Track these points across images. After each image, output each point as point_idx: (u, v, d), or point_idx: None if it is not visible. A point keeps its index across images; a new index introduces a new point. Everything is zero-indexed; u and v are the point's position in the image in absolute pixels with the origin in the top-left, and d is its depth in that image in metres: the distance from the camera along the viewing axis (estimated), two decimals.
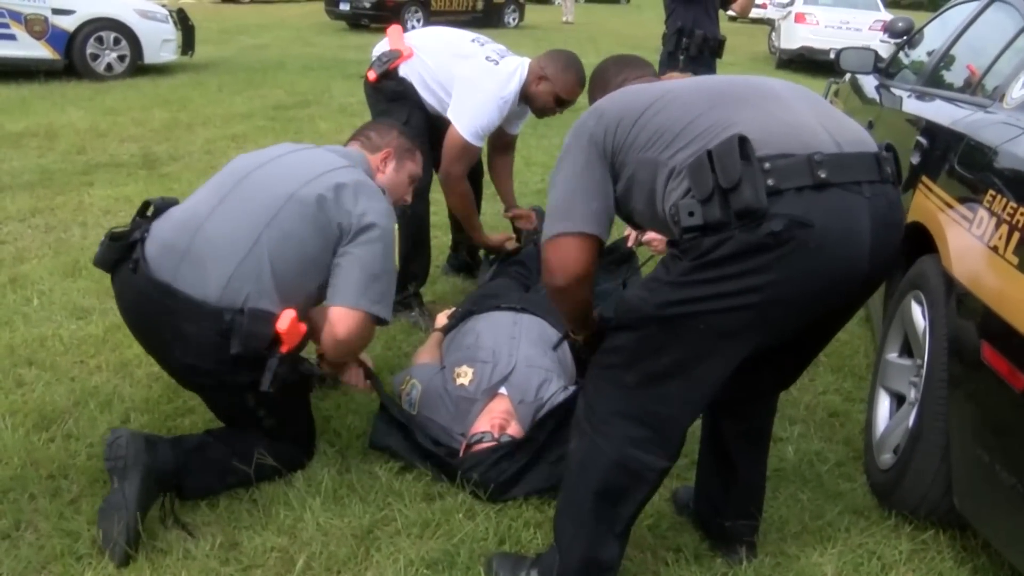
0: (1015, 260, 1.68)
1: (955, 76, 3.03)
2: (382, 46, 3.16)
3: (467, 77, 2.99)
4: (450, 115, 3.01)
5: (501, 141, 3.42)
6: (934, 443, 2.00)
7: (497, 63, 3.04)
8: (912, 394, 2.33)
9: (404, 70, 3.04)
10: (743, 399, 1.85)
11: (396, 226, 2.12)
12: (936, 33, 3.77)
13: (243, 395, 2.04)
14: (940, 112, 2.60)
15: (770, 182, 1.43)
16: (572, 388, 2.44)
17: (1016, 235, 1.70)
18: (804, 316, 1.58)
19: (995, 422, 1.74)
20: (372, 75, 3.08)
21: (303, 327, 2.01)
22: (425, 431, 2.33)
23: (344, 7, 15.92)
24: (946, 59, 3.10)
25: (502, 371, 2.41)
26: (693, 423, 1.73)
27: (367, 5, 15.75)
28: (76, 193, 4.76)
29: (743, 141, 1.44)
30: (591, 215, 1.66)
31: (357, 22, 16.28)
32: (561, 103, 3.09)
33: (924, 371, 2.09)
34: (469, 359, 2.48)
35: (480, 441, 2.25)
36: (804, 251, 1.44)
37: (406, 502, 2.16)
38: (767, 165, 1.43)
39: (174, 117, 6.90)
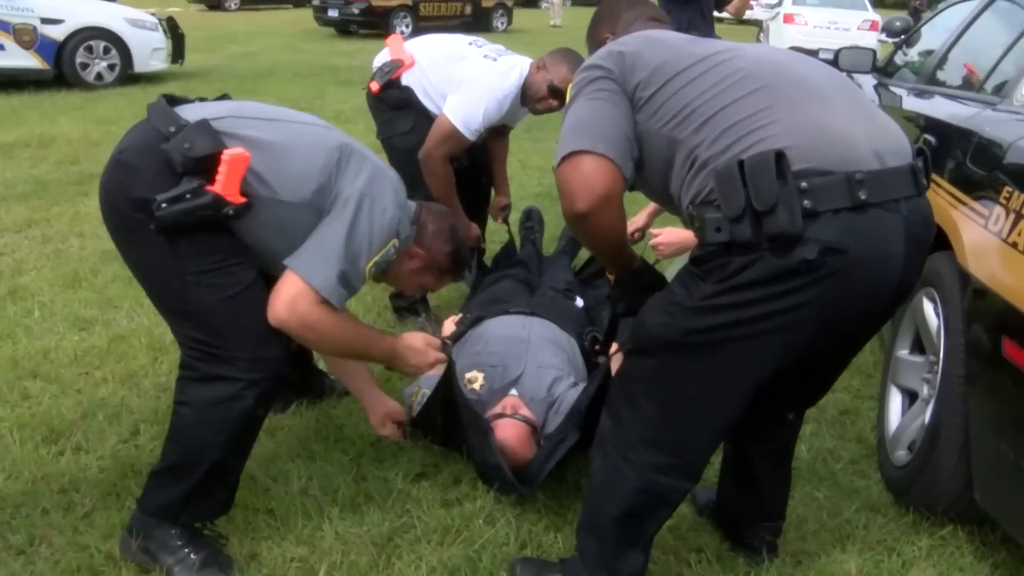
0: None
1: (958, 75, 3.04)
2: (383, 56, 3.15)
3: (464, 76, 2.98)
4: (445, 104, 2.98)
5: (496, 128, 3.37)
6: (952, 439, 2.00)
7: (495, 60, 3.04)
8: (925, 390, 2.34)
9: (407, 79, 3.03)
10: (769, 422, 1.81)
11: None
12: (934, 32, 3.79)
13: (150, 245, 1.72)
14: (946, 110, 2.61)
15: (807, 203, 1.36)
16: (583, 384, 2.43)
17: None
18: (832, 337, 1.55)
19: (1018, 417, 1.74)
20: (375, 86, 3.06)
21: (244, 168, 1.70)
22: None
23: (333, 14, 15.90)
24: (948, 58, 3.12)
25: (512, 374, 2.41)
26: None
27: (356, 11, 15.73)
28: (71, 203, 4.72)
29: (780, 157, 1.36)
30: (612, 140, 1.51)
31: (346, 28, 16.26)
32: (555, 94, 3.04)
33: (940, 367, 2.09)
34: (479, 364, 2.48)
35: (498, 418, 2.24)
36: (836, 277, 1.39)
37: (424, 508, 2.15)
38: (804, 184, 1.36)
39: None
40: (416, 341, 2.11)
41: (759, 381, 1.53)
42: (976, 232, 1.95)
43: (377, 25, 16.10)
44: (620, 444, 1.66)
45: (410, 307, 3.29)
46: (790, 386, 1.67)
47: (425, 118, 3.04)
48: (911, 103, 3.17)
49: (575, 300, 3.17)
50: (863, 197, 1.37)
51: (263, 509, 2.12)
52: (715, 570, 1.98)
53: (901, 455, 2.33)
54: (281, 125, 1.86)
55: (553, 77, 2.98)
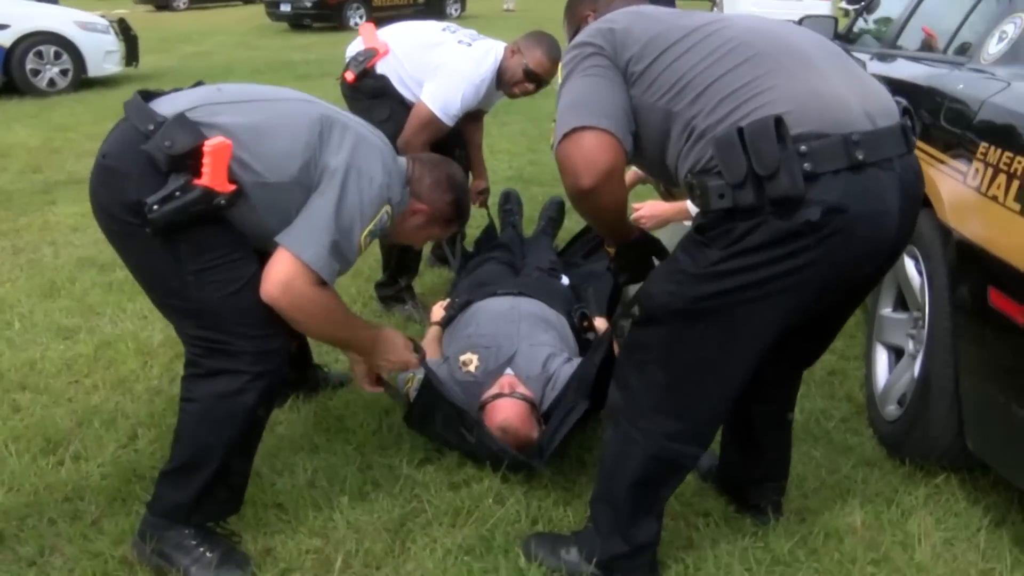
0: (1017, 207, 1.74)
1: (920, 39, 3.10)
2: (356, 45, 3.14)
3: (441, 63, 2.98)
4: (423, 91, 2.98)
5: (471, 113, 3.38)
6: (943, 390, 2.07)
7: (470, 45, 3.04)
8: (910, 346, 2.41)
9: (381, 67, 3.02)
10: (771, 382, 1.85)
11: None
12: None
13: (150, 248, 1.71)
14: (915, 72, 2.67)
15: (807, 166, 1.39)
16: (576, 360, 2.47)
17: (1016, 183, 1.76)
18: (835, 294, 1.59)
19: (1009, 362, 1.80)
20: (350, 76, 3.05)
21: (228, 155, 1.67)
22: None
23: (285, 8, 15.70)
24: (910, 23, 3.18)
25: (506, 354, 2.43)
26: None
27: (308, 5, 15.56)
28: (40, 213, 4.64)
29: (779, 123, 1.39)
30: (611, 115, 1.53)
31: (299, 22, 16.07)
32: (531, 77, 3.06)
33: (926, 322, 2.15)
34: (472, 346, 2.49)
35: (496, 398, 2.26)
36: (838, 236, 1.43)
37: (432, 492, 2.17)
38: (803, 148, 1.39)
39: None
40: (397, 338, 2.11)
41: (766, 342, 1.57)
42: (956, 188, 2.01)
43: (331, 18, 15.94)
44: (631, 413, 1.69)
45: (396, 296, 3.30)
46: (792, 346, 1.71)
47: (402, 106, 3.04)
48: (876, 67, 3.23)
49: (561, 279, 3.20)
50: (860, 157, 1.41)
51: (272, 504, 2.12)
52: (724, 532, 2.03)
53: (891, 410, 2.39)
54: (258, 105, 1.82)
55: (528, 61, 2.99)
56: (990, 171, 1.87)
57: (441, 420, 2.30)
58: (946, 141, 2.13)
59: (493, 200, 3.85)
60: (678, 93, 1.51)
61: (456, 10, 19.13)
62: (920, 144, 2.30)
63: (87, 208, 4.71)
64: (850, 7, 4.55)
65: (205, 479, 1.82)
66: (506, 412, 2.23)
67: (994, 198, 1.83)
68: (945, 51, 2.72)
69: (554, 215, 3.92)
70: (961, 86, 2.19)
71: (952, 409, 2.06)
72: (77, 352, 2.95)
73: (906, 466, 2.28)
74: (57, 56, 8.47)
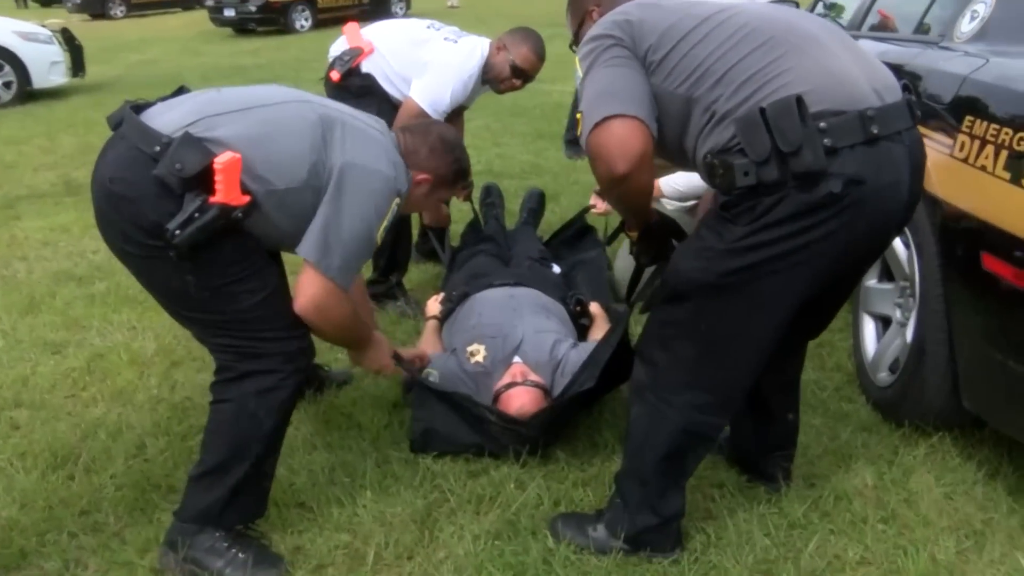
0: (1007, 175, 1.84)
1: (894, 18, 3.22)
2: (340, 45, 3.14)
3: (429, 60, 3.01)
4: (412, 88, 3.01)
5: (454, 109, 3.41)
6: (937, 354, 2.16)
7: (456, 42, 3.07)
8: (898, 314, 2.51)
9: (367, 66, 3.04)
10: (781, 353, 1.89)
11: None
12: None
13: (176, 269, 1.72)
14: (889, 52, 2.77)
15: (826, 142, 1.46)
16: (581, 344, 2.52)
17: (1004, 152, 1.86)
18: (851, 261, 1.67)
19: (1004, 322, 1.90)
20: (336, 75, 3.05)
21: (239, 169, 1.68)
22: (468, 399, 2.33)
23: (229, 13, 15.45)
24: (879, 4, 3.30)
25: (513, 342, 2.47)
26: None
27: (253, 9, 15.33)
28: (6, 228, 4.53)
29: (800, 102, 1.45)
30: (639, 102, 1.58)
31: (244, 27, 15.84)
32: (518, 74, 3.11)
33: (917, 290, 2.25)
34: (478, 337, 2.52)
35: (509, 388, 2.30)
36: (857, 206, 1.50)
37: (453, 482, 2.20)
38: (823, 124, 1.46)
39: (84, 141, 6.60)
40: (384, 345, 2.22)
41: (791, 312, 1.64)
42: (943, 161, 2.10)
43: (276, 21, 15.77)
44: (660, 388, 1.75)
45: (387, 292, 3.31)
46: (808, 315, 1.78)
47: (388, 104, 3.05)
48: None
49: (552, 267, 3.25)
50: (875, 131, 1.49)
51: (294, 503, 2.13)
52: (739, 501, 2.10)
53: (884, 377, 2.49)
54: (257, 112, 1.81)
55: (515, 57, 3.04)
56: (977, 143, 1.96)
57: (451, 419, 2.32)
58: (930, 115, 2.22)
59: (475, 194, 3.88)
60: (698, 79, 1.57)
61: (401, 9, 19.03)
62: None
63: (55, 222, 4.66)
64: None
65: (238, 478, 1.84)
66: (521, 399, 2.27)
67: (983, 168, 1.92)
68: (917, 30, 2.83)
69: (535, 206, 3.98)
70: (941, 64, 2.29)
71: (946, 371, 2.16)
72: (69, 366, 2.91)
73: (902, 428, 2.38)
74: None
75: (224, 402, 1.84)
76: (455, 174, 2.16)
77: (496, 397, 2.33)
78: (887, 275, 2.61)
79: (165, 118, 1.75)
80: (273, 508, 2.07)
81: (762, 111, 1.48)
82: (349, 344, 2.17)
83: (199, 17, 17.29)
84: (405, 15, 18.73)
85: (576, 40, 2.33)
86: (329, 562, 1.94)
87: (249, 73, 10.26)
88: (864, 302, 2.72)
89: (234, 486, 1.84)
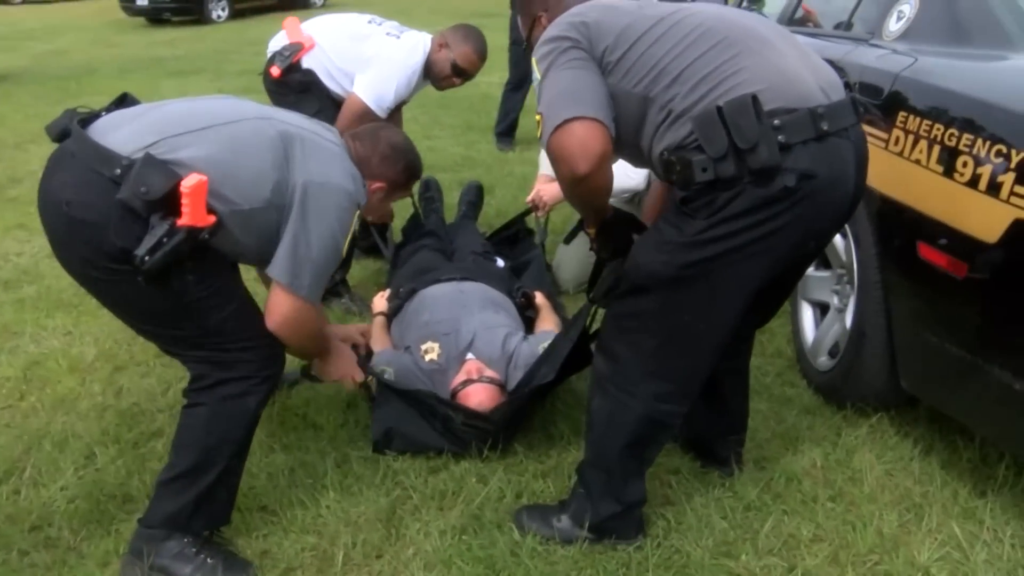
0: (939, 169, 1.95)
1: (821, 15, 3.35)
2: (280, 40, 3.09)
3: (372, 55, 3.00)
4: (355, 83, 3.00)
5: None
6: (876, 338, 2.28)
7: (398, 37, 3.07)
8: (836, 301, 2.63)
9: (308, 61, 3.00)
10: (736, 339, 1.95)
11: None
12: None
13: (142, 291, 1.68)
14: (819, 47, 2.87)
15: (780, 138, 1.53)
16: (531, 337, 2.57)
17: (936, 147, 1.97)
18: (802, 251, 1.75)
19: (940, 307, 2.02)
20: (276, 70, 3.00)
21: (205, 191, 1.67)
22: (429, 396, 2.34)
23: (142, 2, 14.85)
24: (806, 1, 3.42)
25: (465, 339, 2.50)
26: None
27: None
28: None
29: (755, 100, 1.52)
30: (598, 104, 1.62)
31: (158, 17, 15.27)
32: (459, 73, 3.13)
33: (856, 277, 2.36)
34: (431, 335, 2.54)
35: (466, 385, 2.34)
36: (809, 198, 1.58)
37: (414, 479, 2.21)
38: (776, 122, 1.53)
39: None
40: (349, 355, 2.34)
41: (747, 300, 1.72)
42: (879, 154, 2.18)
43: (191, 11, 15.26)
44: (622, 380, 1.80)
45: (332, 289, 3.28)
46: (758, 304, 1.85)
47: (330, 100, 3.03)
48: None
49: (496, 261, 3.28)
50: (824, 128, 1.57)
51: (256, 507, 2.11)
52: (695, 486, 2.18)
53: (824, 361, 2.61)
54: (217, 131, 1.78)
55: (456, 56, 3.05)
56: (911, 138, 2.07)
57: (412, 418, 2.33)
58: (864, 111, 2.32)
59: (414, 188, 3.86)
60: (655, 78, 1.63)
61: None
62: None
63: None
64: None
65: (208, 483, 1.83)
66: (479, 396, 2.30)
67: (917, 162, 2.03)
68: (846, 27, 2.94)
69: (473, 199, 4.00)
70: (874, 61, 2.39)
71: (884, 354, 2.27)
72: (3, 375, 2.80)
73: (844, 410, 2.49)
74: None
75: (198, 406, 1.83)
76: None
77: (453, 395, 2.35)
78: (824, 263, 2.73)
79: (118, 136, 1.70)
80: (236, 512, 2.04)
81: (719, 109, 1.54)
82: (316, 354, 2.23)
83: (108, 5, 16.57)
84: (324, 4, 18.39)
85: (528, 43, 2.33)
86: (298, 565, 1.93)
87: (167, 65, 9.92)
88: (802, 290, 2.83)
89: (204, 491, 1.83)
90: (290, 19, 3.16)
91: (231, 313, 1.80)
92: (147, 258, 1.62)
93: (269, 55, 3.07)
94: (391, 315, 2.84)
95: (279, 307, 1.83)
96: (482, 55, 3.14)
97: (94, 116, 1.80)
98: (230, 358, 1.81)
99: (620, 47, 1.66)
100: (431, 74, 3.12)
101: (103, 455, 2.33)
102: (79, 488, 2.19)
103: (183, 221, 1.64)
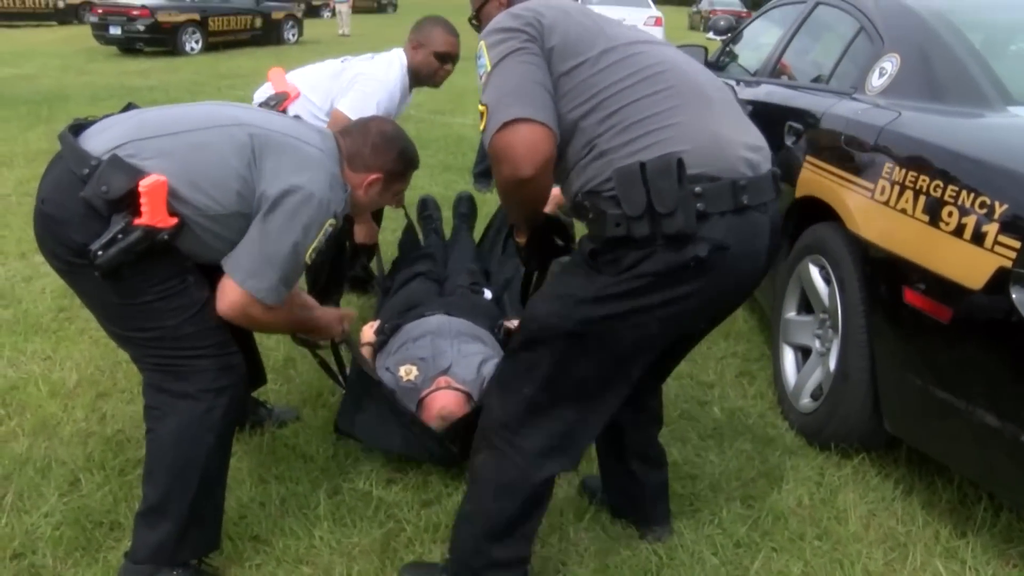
0: (925, 218, 2.04)
1: (801, 69, 3.49)
2: (266, 90, 3.16)
3: (353, 75, 3.09)
4: (337, 102, 3.04)
5: None
6: (859, 381, 2.35)
7: (373, 58, 3.18)
8: (818, 345, 2.71)
9: (294, 109, 3.05)
10: (641, 392, 1.90)
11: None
12: (758, 32, 4.28)
13: (100, 286, 1.74)
14: (804, 100, 3.00)
15: (699, 206, 1.49)
16: None
17: (922, 198, 2.07)
18: (707, 316, 1.75)
19: (925, 351, 2.09)
20: None
21: (164, 192, 1.69)
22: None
23: (115, 31, 14.78)
24: (786, 54, 3.56)
25: (443, 364, 2.55)
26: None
27: (141, 28, 14.72)
28: None
29: (680, 164, 1.48)
30: (546, 106, 1.55)
31: (131, 46, 15.18)
32: (444, 59, 3.19)
33: (840, 321, 2.44)
34: (410, 359, 2.60)
35: (434, 391, 2.40)
36: (719, 269, 1.55)
37: (407, 511, 2.21)
38: (698, 189, 1.49)
39: None
40: (331, 314, 2.26)
41: (645, 364, 1.69)
42: (864, 203, 2.30)
43: (164, 42, 15.21)
44: (507, 433, 1.71)
45: None
46: (660, 360, 1.81)
47: None
48: (748, 93, 3.59)
49: (483, 293, 3.31)
50: (744, 201, 1.54)
51: (247, 536, 2.09)
52: (685, 523, 2.21)
53: (806, 403, 2.67)
54: (186, 136, 1.79)
55: (435, 47, 3.15)
56: (896, 188, 2.17)
57: (375, 414, 2.37)
58: (849, 161, 2.43)
59: (410, 200, 3.84)
60: (590, 110, 1.57)
61: (293, 35, 18.81)
62: (825, 164, 2.60)
63: None
64: (716, 38, 4.92)
65: (185, 510, 1.80)
66: (443, 400, 2.36)
67: (903, 211, 2.13)
68: (828, 81, 3.07)
69: (466, 211, 4.08)
70: (859, 115, 2.51)
71: (868, 397, 2.34)
72: None
73: (826, 451, 2.55)
74: None
75: (157, 431, 1.82)
76: (403, 166, 2.12)
77: (420, 402, 2.38)
78: (806, 308, 2.81)
79: (98, 139, 1.76)
80: (228, 543, 2.03)
81: (642, 166, 1.50)
82: (295, 331, 2.20)
83: (79, 33, 16.48)
84: (297, 42, 18.53)
85: (478, 18, 2.25)
86: None
87: (141, 95, 9.85)
88: (784, 333, 2.91)
89: (183, 519, 1.80)
90: (275, 70, 3.21)
91: (189, 318, 1.79)
92: (100, 252, 1.65)
93: (257, 105, 3.11)
94: (377, 349, 2.86)
95: (228, 295, 1.78)
96: (455, 32, 3.22)
97: (93, 122, 1.84)
98: (185, 367, 1.80)
99: (565, 62, 1.58)
100: (422, 77, 3.19)
101: (88, 481, 2.29)
102: (64, 514, 2.15)
103: (140, 220, 1.67)
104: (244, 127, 1.83)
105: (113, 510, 2.17)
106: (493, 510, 1.74)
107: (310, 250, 1.82)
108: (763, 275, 1.71)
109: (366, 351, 2.84)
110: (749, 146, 1.62)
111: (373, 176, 2.03)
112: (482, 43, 1.63)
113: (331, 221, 1.86)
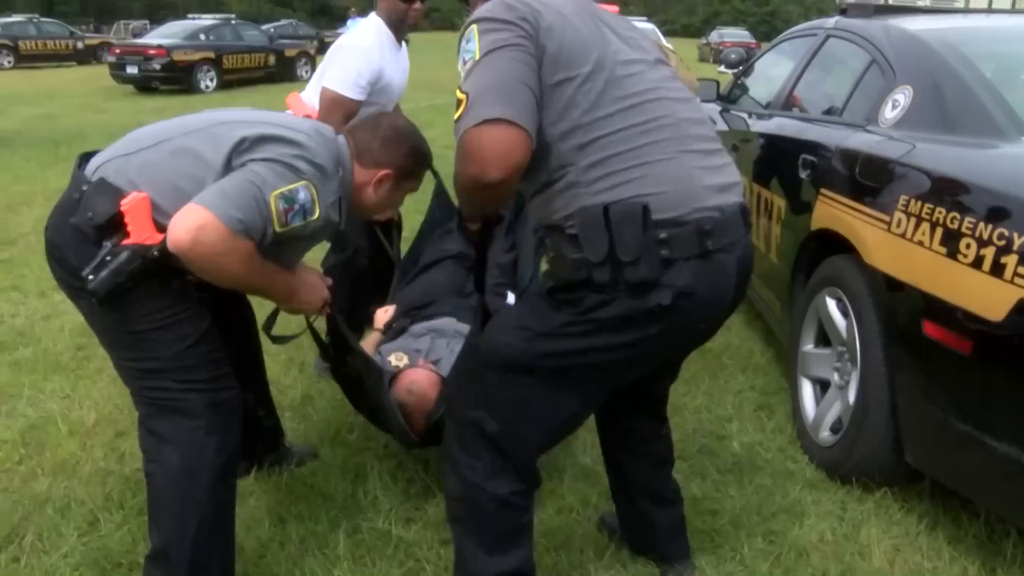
0: (943, 250, 2.04)
1: (813, 101, 3.51)
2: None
3: (331, 57, 3.08)
4: (324, 79, 3.03)
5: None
6: (880, 414, 2.33)
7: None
8: (836, 378, 2.69)
9: None
10: (633, 437, 1.95)
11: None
12: (770, 64, 4.31)
13: (99, 312, 1.75)
14: (817, 133, 3.01)
15: (664, 253, 1.47)
16: None
17: (939, 230, 2.06)
18: (671, 353, 1.74)
19: (946, 383, 2.08)
20: None
21: (146, 209, 1.67)
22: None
23: (132, 70, 15.11)
24: (798, 87, 3.58)
25: (432, 357, 2.58)
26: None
27: (157, 67, 15.05)
28: None
29: (645, 211, 1.45)
30: (530, 110, 1.46)
31: (147, 85, 15.50)
32: None
33: (859, 354, 2.42)
34: (403, 348, 2.64)
35: (408, 368, 2.43)
36: (682, 314, 1.53)
37: (427, 551, 2.20)
38: (663, 235, 1.46)
39: None
40: (311, 276, 2.05)
41: (599, 400, 1.68)
42: (881, 236, 2.30)
43: (180, 80, 15.53)
44: (460, 455, 1.72)
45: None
46: (632, 395, 1.83)
47: None
48: (760, 126, 3.61)
49: (506, 296, 3.20)
50: (709, 246, 1.52)
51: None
52: (707, 559, 2.18)
53: (826, 437, 2.65)
54: (167, 144, 1.77)
55: None
56: (913, 220, 2.17)
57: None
58: (867, 194, 2.43)
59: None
60: (569, 131, 1.52)
61: (307, 71, 19.06)
62: (840, 197, 2.60)
63: None
64: (728, 71, 4.97)
65: (186, 553, 1.79)
66: (414, 375, 2.36)
67: (920, 243, 2.12)
68: (841, 114, 3.09)
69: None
70: (872, 147, 2.51)
71: (888, 430, 2.32)
72: (1, 439, 2.75)
73: (848, 484, 2.52)
74: None
75: (153, 473, 1.83)
76: (415, 163, 2.04)
77: (394, 377, 2.36)
78: (824, 341, 2.80)
79: (94, 160, 1.81)
80: None
81: (606, 210, 1.47)
82: (255, 289, 1.93)
83: (97, 72, 16.82)
84: (310, 78, 18.70)
85: None
86: None
87: None
88: (802, 367, 2.89)
89: (186, 562, 1.79)
90: (292, 95, 3.22)
91: (185, 349, 1.78)
92: (91, 277, 1.65)
93: None
94: (380, 345, 2.86)
95: (179, 217, 1.62)
96: None
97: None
98: (178, 401, 1.79)
99: (557, 73, 1.52)
100: (399, 26, 3.12)
101: (107, 521, 2.29)
102: (83, 555, 2.15)
103: (128, 240, 1.67)
104: (230, 125, 1.78)
105: (132, 550, 2.16)
106: (474, 534, 1.77)
107: (276, 192, 1.68)
108: (731, 310, 1.70)
109: (375, 337, 2.84)
110: (720, 186, 1.59)
111: (383, 172, 1.96)
112: (474, 27, 1.53)
113: (304, 183, 1.72)
